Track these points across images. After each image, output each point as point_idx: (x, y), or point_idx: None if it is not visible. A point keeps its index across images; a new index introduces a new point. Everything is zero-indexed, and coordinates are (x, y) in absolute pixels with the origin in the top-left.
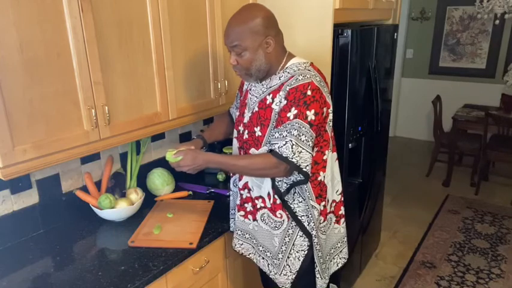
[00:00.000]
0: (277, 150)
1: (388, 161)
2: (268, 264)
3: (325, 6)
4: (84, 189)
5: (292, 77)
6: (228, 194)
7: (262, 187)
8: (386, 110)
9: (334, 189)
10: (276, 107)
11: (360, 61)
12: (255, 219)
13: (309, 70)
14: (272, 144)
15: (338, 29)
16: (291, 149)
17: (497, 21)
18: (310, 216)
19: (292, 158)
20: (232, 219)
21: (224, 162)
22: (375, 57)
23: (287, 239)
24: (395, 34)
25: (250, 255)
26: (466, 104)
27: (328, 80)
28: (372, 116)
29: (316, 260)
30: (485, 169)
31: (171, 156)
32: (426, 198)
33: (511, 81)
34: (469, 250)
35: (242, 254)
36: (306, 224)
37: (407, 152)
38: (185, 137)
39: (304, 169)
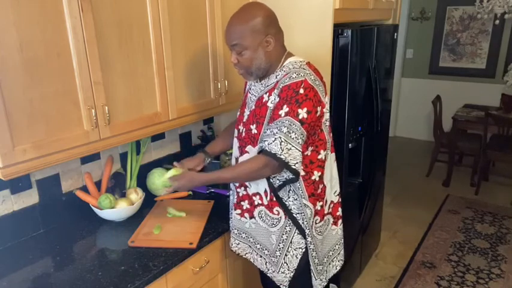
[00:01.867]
0: (267, 148)
1: (388, 161)
2: (266, 262)
3: (325, 6)
4: (84, 189)
5: (287, 74)
6: (228, 194)
7: (259, 183)
8: (386, 110)
9: (332, 190)
10: (271, 105)
11: (360, 61)
12: (252, 217)
13: (303, 69)
14: (263, 141)
15: (338, 29)
16: (279, 146)
17: (497, 21)
18: (303, 214)
19: (280, 155)
20: (231, 218)
21: (219, 177)
22: (375, 57)
23: (285, 236)
24: (395, 34)
25: (247, 255)
26: (466, 104)
27: (328, 80)
28: (372, 116)
29: (310, 260)
30: (485, 169)
31: (163, 184)
32: (426, 198)
33: (511, 81)
34: (469, 250)
35: (239, 254)
36: (300, 221)
37: (407, 152)
38: (185, 137)
39: (293, 166)
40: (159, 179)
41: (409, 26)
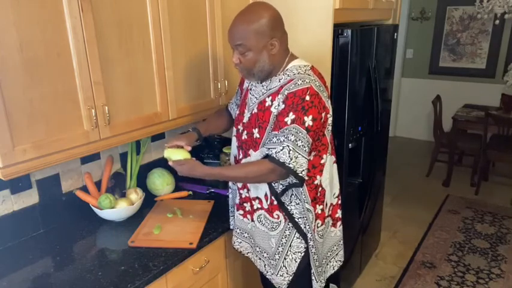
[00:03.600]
0: (274, 156)
1: (388, 161)
2: (265, 264)
3: (325, 6)
4: (84, 189)
5: (292, 80)
6: (227, 193)
7: (259, 188)
8: (386, 110)
9: (331, 192)
10: (274, 110)
11: (360, 61)
12: (252, 220)
13: (308, 75)
14: (269, 148)
15: (338, 29)
16: (288, 155)
17: (497, 21)
18: (305, 218)
19: (289, 164)
20: (232, 217)
21: (221, 173)
22: (375, 57)
23: (284, 240)
24: (395, 34)
25: (249, 254)
26: (466, 104)
27: (328, 80)
28: (372, 116)
29: (311, 263)
30: (485, 169)
31: (170, 156)
32: (426, 198)
33: (511, 81)
34: (469, 250)
35: (241, 252)
36: (302, 226)
37: (407, 152)
38: None
39: (300, 174)
40: (159, 179)
41: (409, 26)
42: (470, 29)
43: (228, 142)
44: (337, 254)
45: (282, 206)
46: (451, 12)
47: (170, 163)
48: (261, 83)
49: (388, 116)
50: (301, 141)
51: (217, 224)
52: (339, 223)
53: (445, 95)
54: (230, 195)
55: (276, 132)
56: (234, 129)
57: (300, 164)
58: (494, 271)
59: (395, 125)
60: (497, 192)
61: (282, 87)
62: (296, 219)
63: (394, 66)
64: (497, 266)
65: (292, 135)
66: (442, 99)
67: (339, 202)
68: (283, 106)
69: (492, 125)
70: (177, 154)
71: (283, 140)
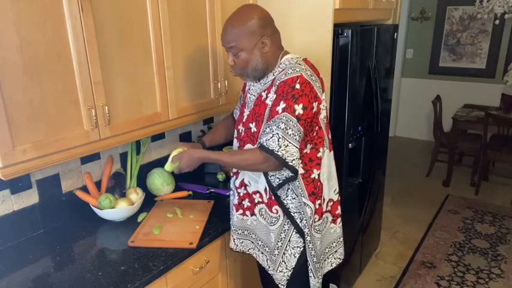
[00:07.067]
0: (264, 144)
1: (388, 161)
2: (267, 259)
3: (325, 6)
4: (84, 189)
5: (283, 70)
6: (228, 193)
7: (259, 181)
8: (386, 110)
9: (332, 188)
10: (269, 103)
11: (360, 61)
12: (253, 214)
13: (299, 64)
14: (261, 137)
15: (338, 29)
16: (277, 142)
17: (497, 21)
18: (302, 213)
19: (278, 151)
20: (233, 220)
21: (218, 158)
22: (375, 57)
23: (283, 235)
24: (395, 34)
25: (250, 250)
26: (466, 104)
27: (328, 80)
28: (372, 116)
29: (308, 259)
30: (485, 169)
31: (169, 166)
32: (426, 198)
33: (511, 81)
34: (469, 250)
35: (243, 252)
36: (298, 220)
37: (407, 152)
38: (185, 137)
39: (290, 163)
40: (159, 179)
41: (409, 26)
42: (470, 29)
43: (228, 142)
44: (336, 251)
45: (278, 200)
46: (451, 12)
47: (176, 170)
48: (258, 81)
49: (388, 116)
50: (292, 130)
51: (217, 224)
52: (339, 220)
53: (445, 95)
54: (231, 197)
55: (269, 123)
56: (235, 130)
57: (291, 153)
58: (494, 271)
59: (395, 125)
60: (497, 192)
61: (275, 79)
62: (292, 214)
63: (394, 66)
64: (497, 266)
65: (283, 123)
66: (442, 99)
67: (339, 199)
68: (275, 96)
69: (492, 125)
70: (170, 156)
71: (274, 129)
